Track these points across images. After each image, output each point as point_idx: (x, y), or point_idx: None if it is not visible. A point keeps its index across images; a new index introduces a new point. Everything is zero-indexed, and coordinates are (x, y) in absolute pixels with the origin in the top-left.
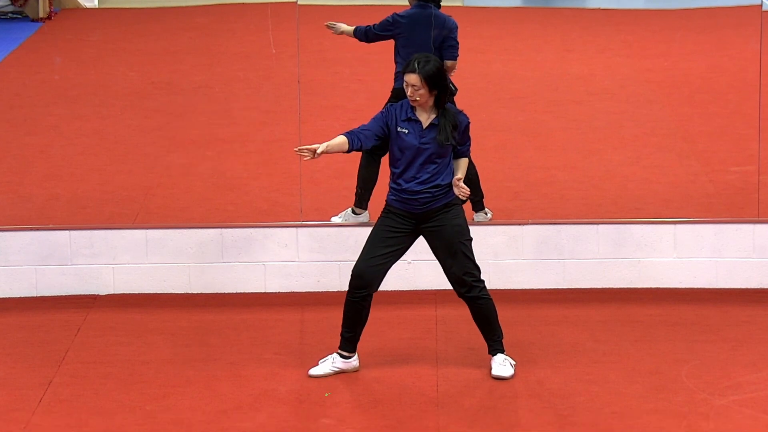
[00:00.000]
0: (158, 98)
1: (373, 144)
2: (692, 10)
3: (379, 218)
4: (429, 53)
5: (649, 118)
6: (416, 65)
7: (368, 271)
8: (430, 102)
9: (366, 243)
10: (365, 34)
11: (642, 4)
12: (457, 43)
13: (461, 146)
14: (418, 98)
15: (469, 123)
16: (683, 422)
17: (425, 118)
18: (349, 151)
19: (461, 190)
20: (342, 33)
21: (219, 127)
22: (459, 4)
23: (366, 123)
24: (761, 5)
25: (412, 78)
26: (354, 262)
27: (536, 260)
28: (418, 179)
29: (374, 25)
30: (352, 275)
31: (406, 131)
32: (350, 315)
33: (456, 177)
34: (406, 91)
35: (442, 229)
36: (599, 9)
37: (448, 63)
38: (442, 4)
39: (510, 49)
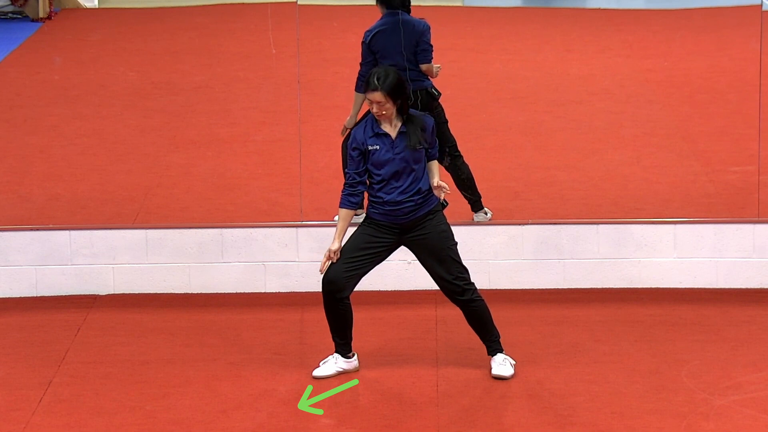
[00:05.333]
0: (158, 98)
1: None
2: (692, 10)
3: (358, 227)
4: (388, 66)
5: (649, 118)
6: (377, 82)
7: (339, 276)
8: (394, 112)
9: (342, 250)
10: (363, 78)
11: (642, 4)
12: (430, 46)
13: (431, 149)
14: (384, 112)
15: (434, 124)
16: (683, 422)
17: (392, 129)
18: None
19: (441, 189)
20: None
21: (219, 127)
22: (459, 4)
23: (344, 170)
24: (761, 5)
25: (376, 96)
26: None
27: (536, 260)
28: (399, 189)
29: (360, 65)
30: (323, 281)
31: (377, 147)
32: (333, 321)
33: (434, 180)
34: (371, 108)
35: (428, 237)
36: (599, 9)
37: (423, 66)
38: (442, 4)
39: (510, 49)
